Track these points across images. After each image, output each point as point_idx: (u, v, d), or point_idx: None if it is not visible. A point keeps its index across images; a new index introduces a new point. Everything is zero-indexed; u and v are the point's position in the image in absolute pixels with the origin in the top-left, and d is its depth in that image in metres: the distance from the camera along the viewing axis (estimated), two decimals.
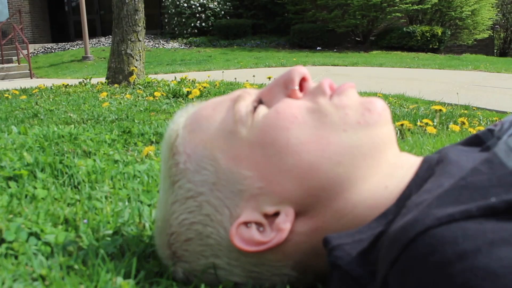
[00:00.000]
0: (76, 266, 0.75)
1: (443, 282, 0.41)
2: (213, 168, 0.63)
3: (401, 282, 0.44)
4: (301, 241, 0.62)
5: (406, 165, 0.64)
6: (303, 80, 0.67)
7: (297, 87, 0.66)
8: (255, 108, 0.65)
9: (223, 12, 14.49)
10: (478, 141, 0.72)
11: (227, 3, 14.45)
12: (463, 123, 2.50)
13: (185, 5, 13.96)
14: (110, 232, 0.89)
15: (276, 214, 0.62)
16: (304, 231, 0.62)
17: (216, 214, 0.63)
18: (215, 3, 14.24)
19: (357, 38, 14.06)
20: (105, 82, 4.86)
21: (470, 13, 13.93)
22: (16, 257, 0.80)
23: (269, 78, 4.55)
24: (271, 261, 0.63)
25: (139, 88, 4.31)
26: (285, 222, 0.60)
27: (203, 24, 14.34)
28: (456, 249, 0.41)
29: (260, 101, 0.67)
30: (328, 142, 0.61)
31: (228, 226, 0.63)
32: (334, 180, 0.60)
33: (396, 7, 12.88)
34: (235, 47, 13.36)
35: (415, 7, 13.03)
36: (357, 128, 0.62)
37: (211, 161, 0.64)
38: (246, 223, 0.62)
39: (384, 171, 0.63)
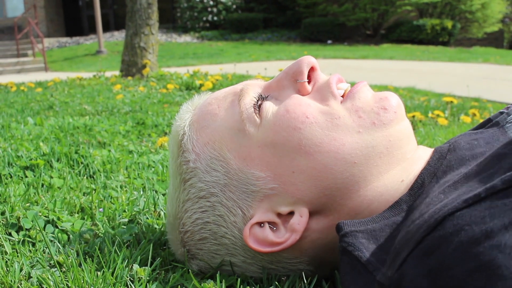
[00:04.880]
0: (93, 253, 0.75)
1: (468, 261, 0.39)
2: (224, 169, 0.62)
3: (421, 262, 0.43)
4: (316, 238, 0.61)
5: (422, 159, 0.63)
6: (311, 70, 0.65)
7: (306, 80, 0.64)
8: (259, 105, 0.63)
9: (234, 6, 14.46)
10: (496, 125, 0.70)
11: None
12: (474, 114, 2.47)
13: None
14: (126, 220, 0.90)
15: (290, 213, 0.61)
16: (320, 229, 0.61)
17: (229, 214, 0.62)
18: None
19: (367, 32, 13.97)
20: (119, 75, 4.89)
21: (480, 6, 13.77)
22: (33, 244, 0.81)
23: (281, 70, 4.52)
24: (286, 258, 0.63)
25: (152, 80, 4.32)
26: (300, 223, 0.60)
27: (215, 18, 14.34)
28: (483, 228, 0.40)
29: (267, 96, 0.64)
30: (342, 143, 0.59)
31: (242, 227, 0.62)
32: (349, 180, 0.59)
33: (406, 1, 12.76)
34: (246, 40, 13.34)
35: (425, 0, 12.88)
36: (372, 128, 0.60)
37: (221, 162, 0.62)
38: (260, 223, 0.61)
39: (401, 166, 0.61)
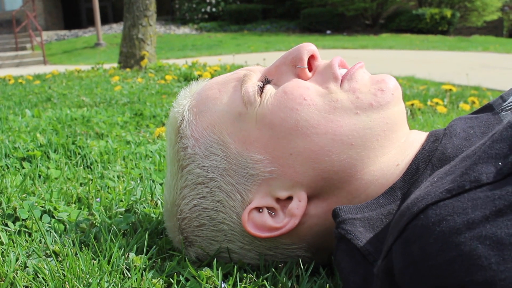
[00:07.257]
0: (89, 242, 0.75)
1: (449, 251, 0.39)
2: (223, 153, 0.61)
3: (404, 251, 0.43)
4: (314, 223, 0.61)
5: (416, 142, 0.63)
6: (311, 58, 0.64)
7: (305, 66, 0.63)
8: (262, 88, 0.62)
9: None
10: (490, 109, 0.70)
11: None
12: (473, 102, 2.46)
13: None
14: (123, 209, 0.89)
15: (289, 198, 0.61)
16: (317, 214, 0.61)
17: (228, 200, 0.62)
18: None
19: (366, 22, 13.94)
20: (117, 66, 4.87)
21: None
22: (29, 234, 0.81)
23: None
24: (284, 244, 0.63)
25: (151, 72, 4.30)
26: (298, 208, 0.59)
27: (214, 9, 14.27)
28: (465, 218, 0.40)
29: (266, 80, 0.64)
30: (339, 125, 0.59)
31: (240, 212, 0.62)
32: (347, 162, 0.59)
33: None
34: (245, 31, 13.29)
35: None
36: (370, 110, 0.60)
37: (220, 146, 0.62)
38: (258, 208, 0.61)
39: (396, 149, 0.61)
